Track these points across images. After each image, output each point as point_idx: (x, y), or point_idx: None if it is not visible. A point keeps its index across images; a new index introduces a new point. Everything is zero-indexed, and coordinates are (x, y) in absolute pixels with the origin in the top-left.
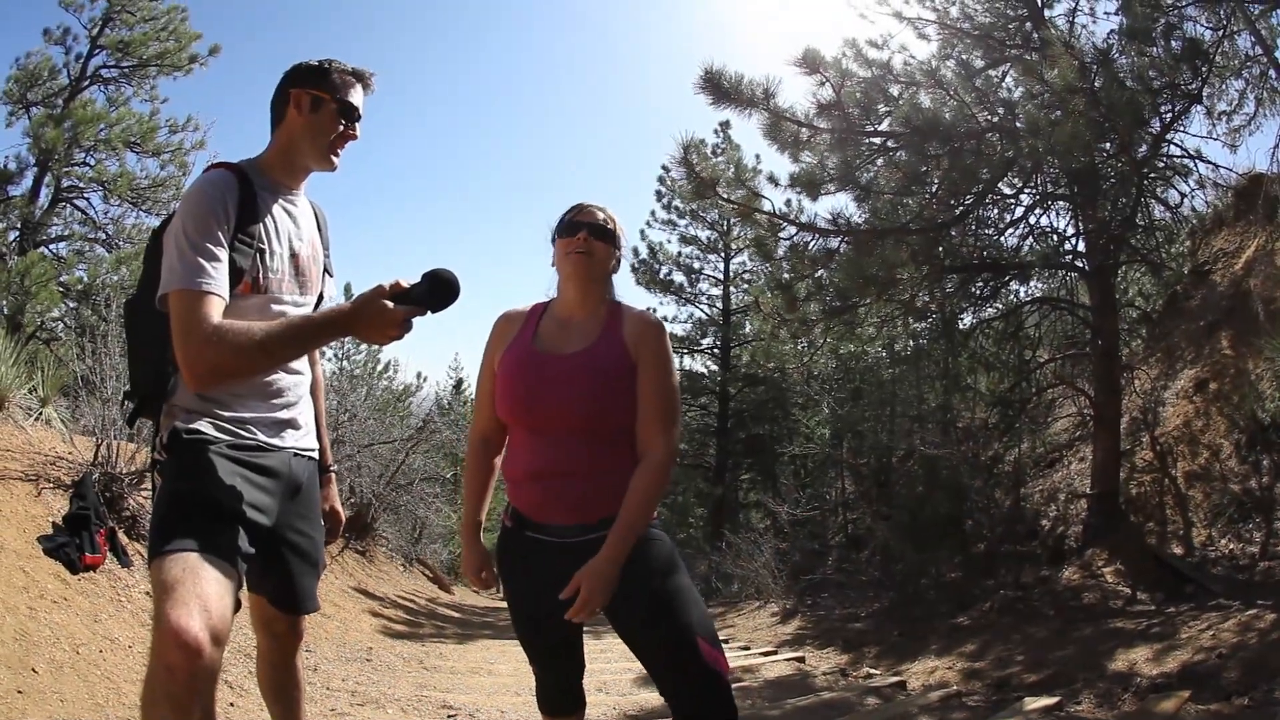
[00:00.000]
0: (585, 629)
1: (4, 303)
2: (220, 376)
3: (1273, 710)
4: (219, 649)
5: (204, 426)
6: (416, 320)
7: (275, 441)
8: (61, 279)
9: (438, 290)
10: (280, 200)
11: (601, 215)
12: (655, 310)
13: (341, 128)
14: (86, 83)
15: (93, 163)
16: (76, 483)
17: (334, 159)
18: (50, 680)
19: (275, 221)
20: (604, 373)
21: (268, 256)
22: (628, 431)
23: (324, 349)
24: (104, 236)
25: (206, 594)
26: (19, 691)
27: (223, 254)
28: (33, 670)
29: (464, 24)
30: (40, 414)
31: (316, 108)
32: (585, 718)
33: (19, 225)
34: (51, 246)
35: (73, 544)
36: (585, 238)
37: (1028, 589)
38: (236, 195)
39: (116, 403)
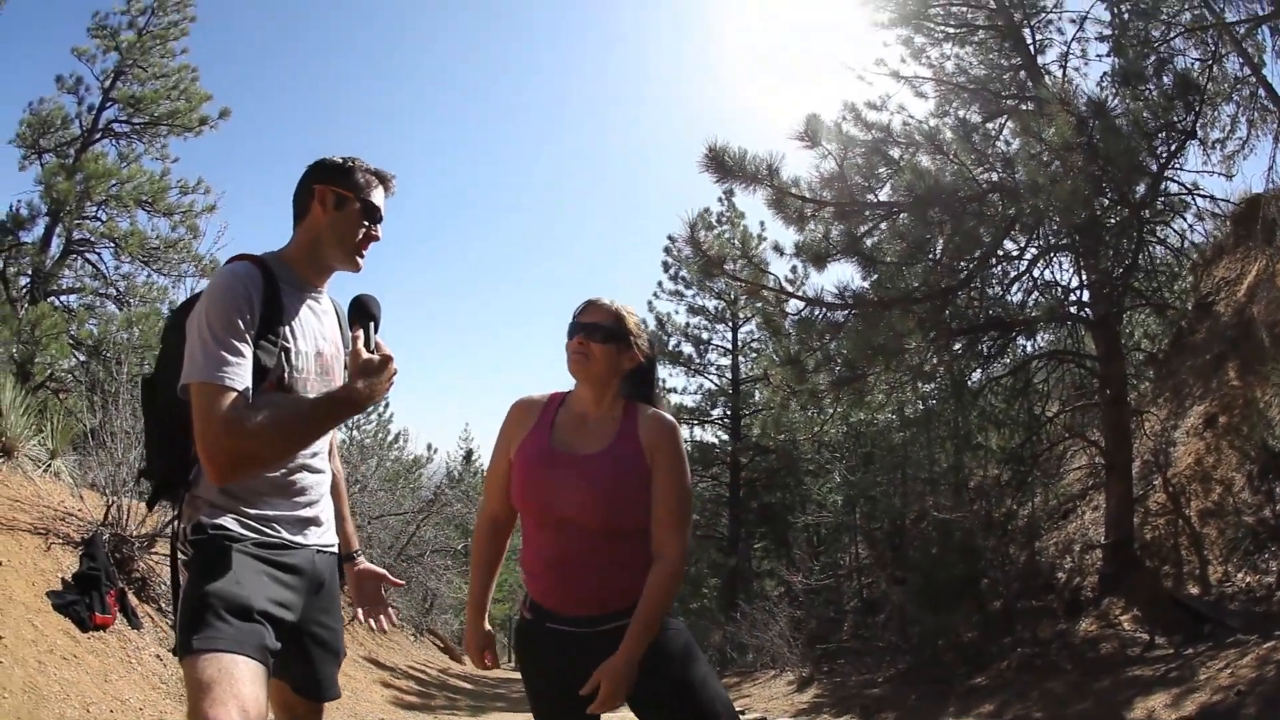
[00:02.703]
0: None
1: (14, 351)
2: (241, 468)
3: None
4: None
5: (229, 523)
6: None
7: (299, 539)
8: (72, 332)
9: (364, 309)
10: (305, 298)
11: (606, 314)
12: (666, 381)
13: (365, 229)
14: (98, 135)
15: (104, 218)
16: (86, 541)
17: (359, 260)
18: None
19: (300, 321)
20: (621, 476)
21: (293, 355)
22: (643, 531)
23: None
24: (115, 293)
25: (243, 694)
26: None
27: (246, 349)
28: None
29: (472, 103)
30: (49, 465)
31: (341, 205)
32: None
33: (30, 272)
34: (63, 298)
35: (83, 603)
36: (581, 341)
37: (1045, 644)
38: (261, 291)
39: (126, 463)
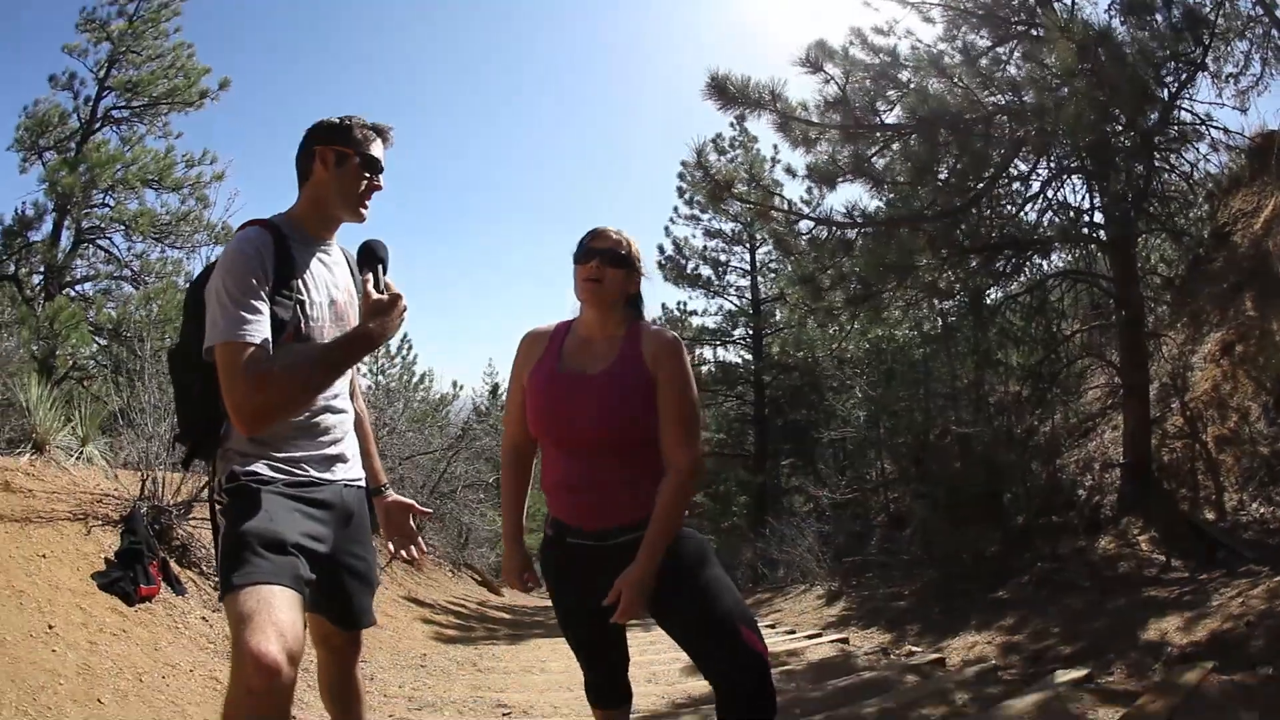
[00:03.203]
0: (635, 622)
1: (35, 348)
2: (268, 416)
3: None
4: (294, 668)
5: (260, 468)
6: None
7: (326, 476)
8: (91, 318)
9: (372, 253)
10: (315, 251)
11: (615, 241)
12: (686, 304)
13: (367, 180)
14: (98, 124)
15: (112, 203)
16: (125, 518)
17: (363, 210)
18: (116, 709)
19: (312, 273)
20: (626, 390)
21: (308, 306)
22: (651, 443)
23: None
24: (130, 274)
25: (280, 620)
26: None
27: (262, 306)
28: (99, 701)
29: (481, 39)
30: (81, 453)
31: (341, 163)
32: (635, 707)
33: (43, 269)
34: (78, 288)
35: (127, 577)
36: (597, 265)
37: (1064, 560)
38: (272, 251)
39: (157, 436)
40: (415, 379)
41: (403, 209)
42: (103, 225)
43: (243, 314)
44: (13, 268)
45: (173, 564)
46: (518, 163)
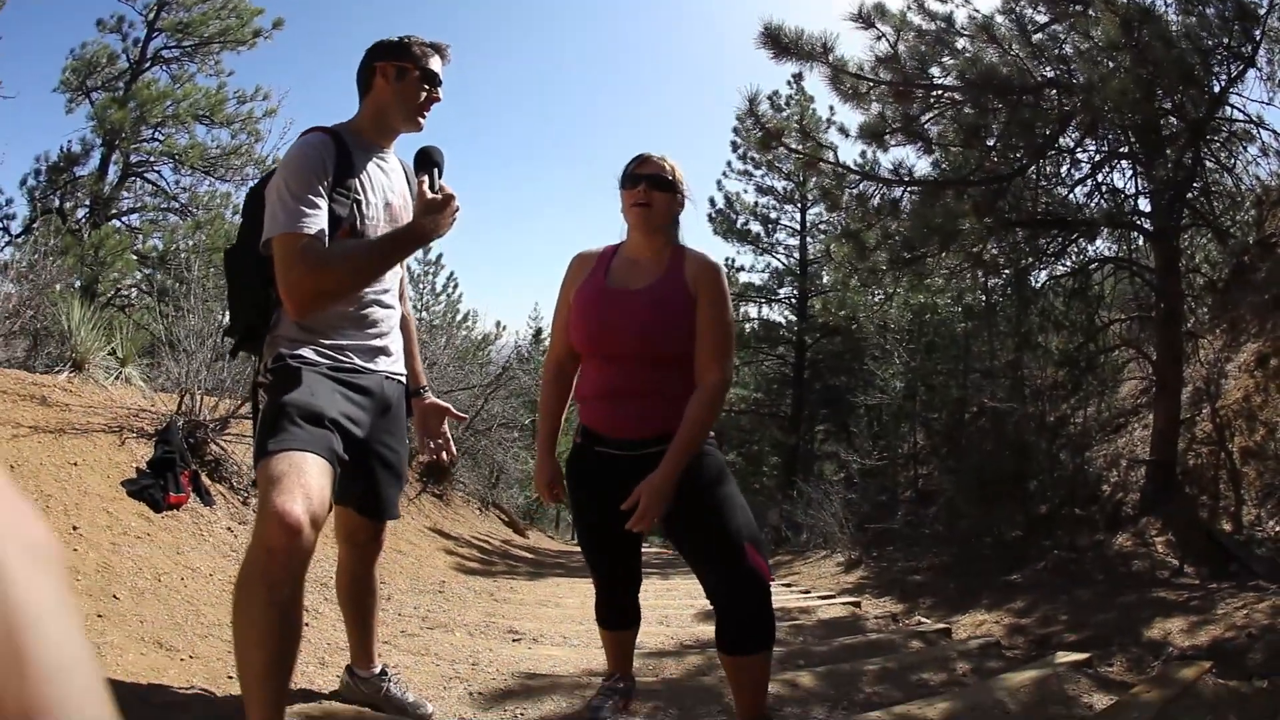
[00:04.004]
0: (654, 570)
1: (78, 276)
2: (321, 299)
3: None
4: (315, 531)
5: (307, 352)
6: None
7: (370, 365)
8: (136, 248)
9: (428, 158)
10: (373, 157)
11: (661, 166)
12: (735, 259)
13: (426, 92)
14: (148, 65)
15: (161, 137)
16: (161, 430)
17: (421, 120)
18: (131, 605)
19: (369, 175)
20: (665, 305)
21: (364, 205)
22: (686, 359)
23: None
24: (178, 205)
25: (309, 484)
26: (99, 615)
27: (321, 202)
28: (114, 596)
29: None
30: (120, 374)
31: (402, 77)
32: (644, 645)
33: (89, 202)
34: (124, 219)
35: (157, 485)
36: (645, 189)
37: (1081, 552)
38: (333, 153)
39: (199, 356)
40: (460, 316)
41: (458, 148)
42: (151, 159)
43: (301, 208)
44: (58, 201)
45: (204, 477)
46: (568, 114)
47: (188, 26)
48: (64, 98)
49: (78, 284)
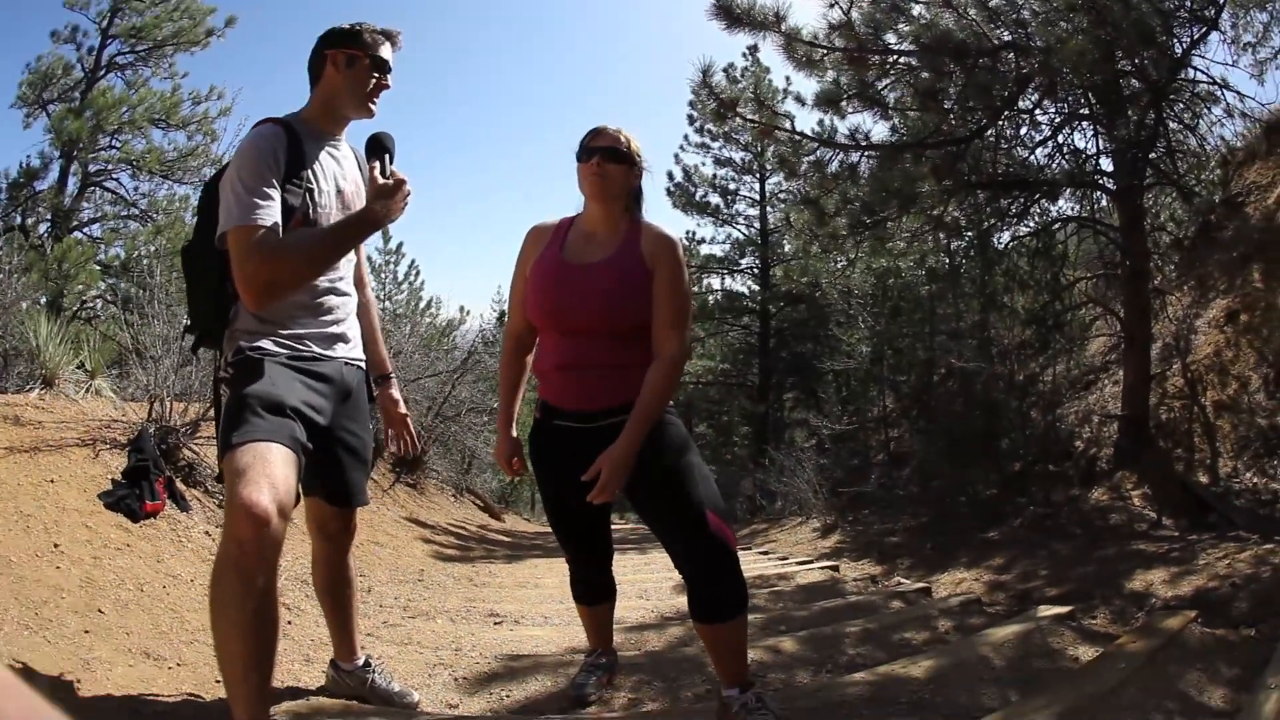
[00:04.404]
0: (632, 545)
1: (44, 291)
2: (277, 290)
3: (1277, 645)
4: (284, 521)
5: (265, 343)
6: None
7: (328, 353)
8: (99, 259)
9: (379, 143)
10: (325, 146)
11: (616, 138)
12: (695, 232)
13: (375, 80)
14: (103, 72)
15: (118, 145)
16: (134, 438)
17: (372, 107)
18: (116, 618)
19: (321, 164)
20: (622, 279)
21: (316, 194)
22: (643, 331)
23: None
24: (137, 211)
25: (274, 474)
26: (85, 631)
27: (274, 194)
28: (99, 611)
29: None
30: (90, 386)
31: (352, 64)
32: (625, 619)
33: (50, 216)
34: (85, 230)
35: (133, 494)
36: (599, 162)
37: (1057, 507)
38: (285, 144)
39: (166, 362)
40: (423, 304)
41: (413, 135)
42: (109, 167)
43: (255, 200)
44: (19, 218)
45: (178, 482)
46: (528, 94)
47: (141, 30)
48: (21, 113)
49: (43, 300)
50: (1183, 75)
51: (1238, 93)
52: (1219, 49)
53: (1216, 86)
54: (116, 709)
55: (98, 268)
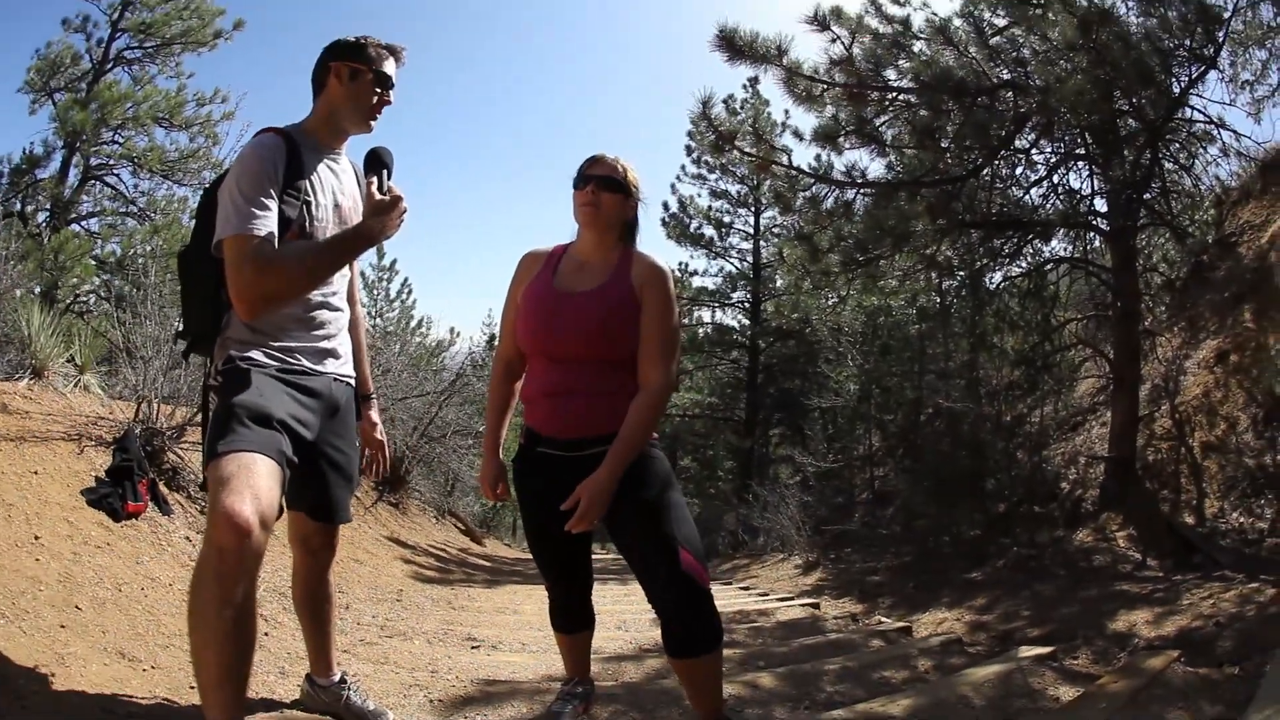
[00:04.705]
0: (613, 576)
1: (39, 281)
2: (270, 301)
3: (1260, 682)
4: (265, 532)
5: (256, 354)
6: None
7: (318, 367)
8: (95, 253)
9: (377, 159)
10: (324, 159)
11: (613, 167)
12: (688, 264)
13: (378, 95)
14: (110, 65)
15: (121, 140)
16: (119, 437)
17: (372, 122)
18: (93, 615)
19: (319, 177)
20: (610, 308)
21: (313, 207)
22: (631, 362)
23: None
24: (136, 209)
25: (258, 485)
26: (62, 626)
27: (272, 204)
28: (76, 607)
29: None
30: (79, 381)
31: (355, 78)
32: (603, 649)
33: (49, 206)
34: (83, 223)
35: (116, 494)
36: (593, 190)
37: (1042, 548)
38: (284, 155)
39: (155, 364)
40: (414, 323)
41: (415, 151)
42: (111, 162)
43: (252, 210)
44: (19, 205)
45: (161, 486)
46: (524, 120)
47: (150, 27)
48: (28, 99)
49: (38, 290)
50: (1180, 114)
51: (1234, 132)
52: (1217, 88)
53: (1213, 126)
54: (90, 706)
55: (93, 262)
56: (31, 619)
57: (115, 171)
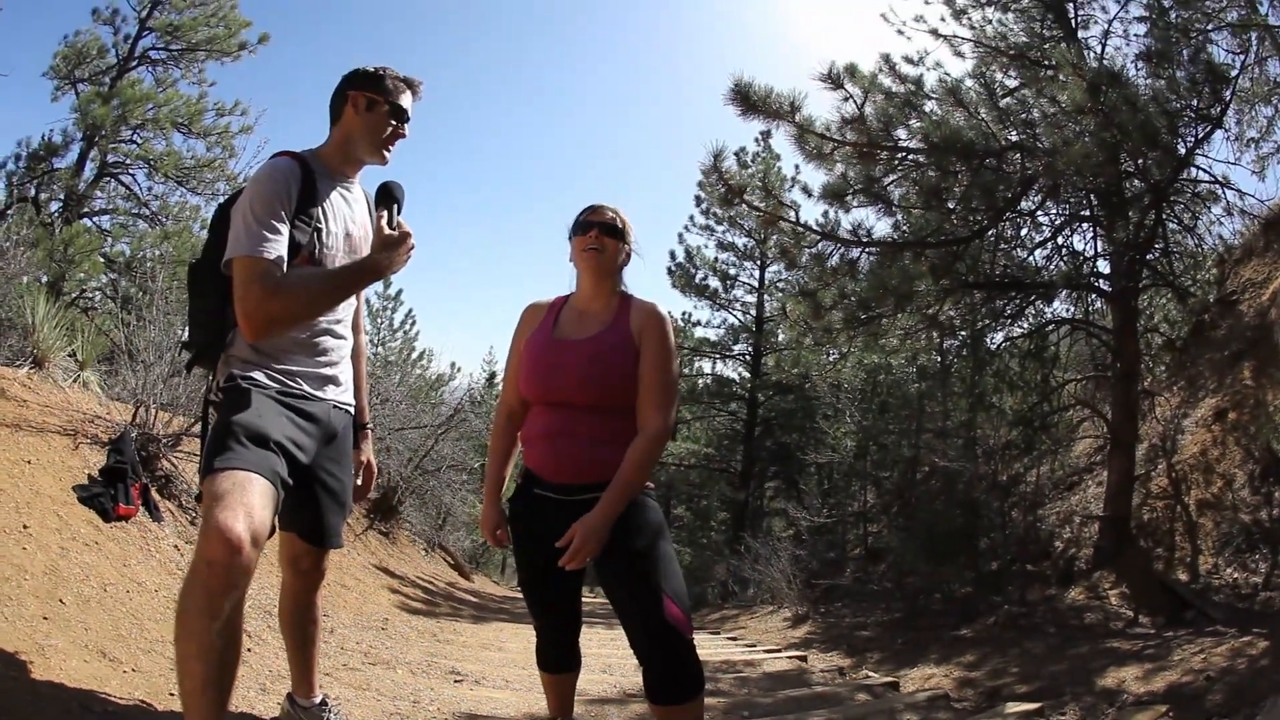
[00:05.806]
0: (599, 620)
1: (46, 270)
2: (275, 325)
3: None
4: (256, 550)
5: (258, 375)
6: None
7: (318, 393)
8: (104, 251)
9: (388, 193)
10: (337, 187)
11: (611, 214)
12: (691, 314)
13: (392, 127)
14: (135, 63)
15: (139, 141)
16: (115, 439)
17: (386, 154)
18: (76, 611)
19: (332, 204)
20: (608, 355)
21: (324, 234)
22: (630, 410)
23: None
24: (148, 212)
25: (251, 503)
26: (44, 618)
27: (283, 228)
28: (60, 601)
29: (508, 30)
30: (79, 377)
31: (371, 108)
32: (588, 692)
33: (63, 197)
34: (95, 219)
35: (107, 494)
36: (597, 235)
37: (1032, 606)
38: (299, 179)
39: (156, 369)
40: (416, 355)
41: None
42: (127, 161)
43: (264, 232)
44: (33, 190)
45: (154, 492)
46: (534, 150)
47: (177, 29)
48: (51, 84)
49: (44, 279)
50: (1185, 175)
51: (1238, 190)
52: (1222, 147)
53: (1218, 185)
54: (68, 699)
55: (102, 260)
56: (14, 606)
57: (131, 171)
